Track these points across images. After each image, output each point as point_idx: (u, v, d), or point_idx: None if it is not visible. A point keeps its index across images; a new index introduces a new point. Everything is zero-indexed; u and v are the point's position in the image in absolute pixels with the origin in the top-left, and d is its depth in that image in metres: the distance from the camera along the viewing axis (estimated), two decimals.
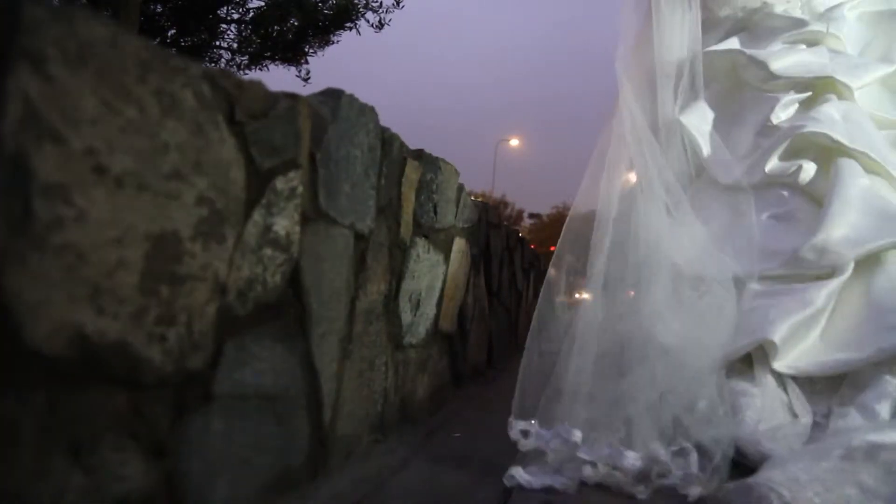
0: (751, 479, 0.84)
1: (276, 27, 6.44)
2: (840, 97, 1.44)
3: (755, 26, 1.61)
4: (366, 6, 6.42)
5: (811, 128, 1.36)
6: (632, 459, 0.96)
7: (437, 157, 1.35)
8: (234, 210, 0.64)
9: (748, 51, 1.53)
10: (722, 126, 1.53)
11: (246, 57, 6.68)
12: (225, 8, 6.56)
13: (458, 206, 1.58)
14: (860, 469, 0.82)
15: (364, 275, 1.01)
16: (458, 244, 1.61)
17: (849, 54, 1.52)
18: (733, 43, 1.59)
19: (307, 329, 0.81)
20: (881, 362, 1.09)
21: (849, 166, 1.32)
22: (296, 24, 6.43)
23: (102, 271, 0.49)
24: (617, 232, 1.27)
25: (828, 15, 1.56)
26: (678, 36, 1.57)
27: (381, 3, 6.55)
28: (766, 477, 0.83)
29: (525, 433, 1.06)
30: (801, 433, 1.04)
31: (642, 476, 0.95)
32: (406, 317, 1.23)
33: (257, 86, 0.67)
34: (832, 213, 1.26)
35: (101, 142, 0.47)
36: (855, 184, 1.30)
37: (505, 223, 2.58)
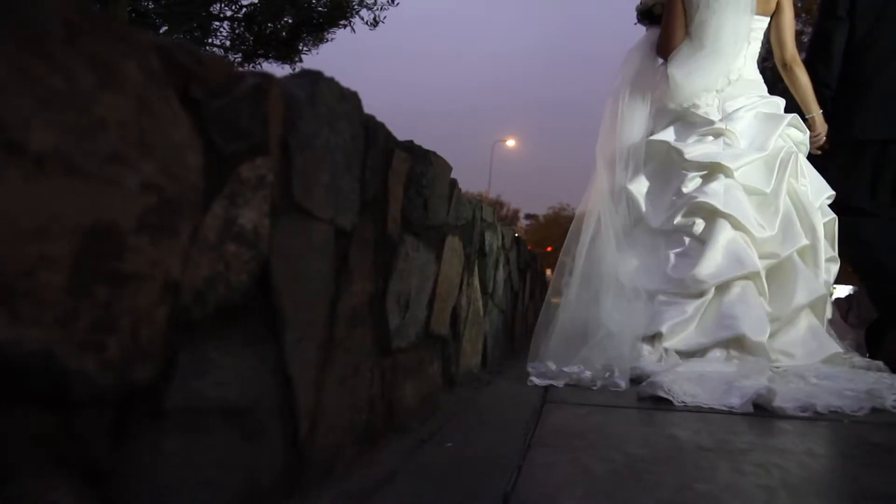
0: (651, 379, 1.70)
1: (269, 24, 6.36)
2: (725, 175, 2.23)
3: (686, 118, 2.43)
4: (360, 3, 6.34)
5: (701, 198, 2.20)
6: (587, 374, 1.85)
7: (427, 150, 1.28)
8: (189, 200, 0.56)
9: (673, 142, 2.36)
10: (654, 190, 2.38)
11: (239, 55, 6.60)
12: (218, 5, 6.48)
13: (450, 203, 1.50)
14: (705, 377, 1.72)
15: (347, 274, 0.93)
16: (451, 242, 1.54)
17: (735, 145, 2.30)
18: (669, 133, 2.42)
19: (280, 333, 0.73)
20: (718, 344, 2.02)
21: (721, 224, 2.14)
22: (289, 21, 6.34)
23: (18, 269, 0.41)
24: (587, 258, 2.20)
25: (732, 115, 2.35)
26: (636, 126, 2.46)
27: (375, 0, 6.47)
28: (660, 378, 1.68)
29: (533, 367, 1.95)
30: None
31: (592, 381, 1.83)
32: (394, 319, 1.16)
33: (219, 61, 0.60)
34: (705, 257, 2.10)
35: (11, 113, 0.40)
36: (724, 236, 2.13)
37: (499, 223, 2.50)
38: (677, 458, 1.12)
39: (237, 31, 6.48)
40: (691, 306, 2.07)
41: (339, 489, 0.92)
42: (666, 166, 2.37)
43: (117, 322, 0.50)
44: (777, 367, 1.95)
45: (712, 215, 2.16)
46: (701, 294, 2.08)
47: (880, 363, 2.09)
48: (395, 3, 6.53)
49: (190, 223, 0.56)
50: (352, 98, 0.89)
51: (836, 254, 2.30)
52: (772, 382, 1.68)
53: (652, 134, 2.45)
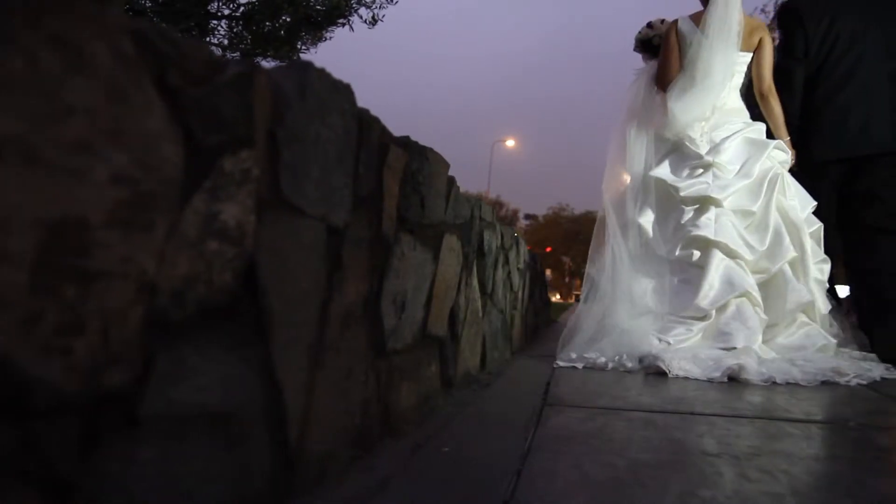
0: (654, 356, 2.15)
1: (267, 23, 6.32)
2: (715, 206, 2.53)
3: (680, 149, 2.71)
4: (359, 2, 6.30)
5: (694, 232, 2.51)
6: (601, 359, 2.28)
7: (424, 147, 1.24)
8: (166, 193, 0.53)
9: (670, 180, 2.65)
10: (659, 220, 2.68)
11: (237, 53, 6.55)
12: (216, 3, 6.44)
13: (448, 201, 1.47)
14: (698, 357, 2.14)
15: (339, 273, 0.90)
16: (449, 241, 1.50)
17: (723, 176, 2.58)
18: (665, 168, 2.71)
19: (267, 335, 0.70)
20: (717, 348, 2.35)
21: (715, 253, 2.46)
22: (288, 20, 6.30)
23: None
24: (607, 276, 2.63)
25: (719, 146, 2.62)
26: (641, 158, 2.79)
27: None
28: (662, 355, 2.13)
29: (560, 357, 2.40)
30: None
31: (605, 364, 2.26)
32: (389, 320, 1.12)
33: (198, 47, 0.56)
34: (703, 285, 2.43)
35: None
36: (718, 265, 2.45)
37: (498, 222, 2.47)
38: (681, 463, 1.09)
39: (235, 30, 6.44)
40: (696, 326, 2.43)
41: (330, 496, 0.88)
42: (666, 200, 2.69)
43: (85, 324, 0.46)
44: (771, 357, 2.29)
45: (706, 244, 2.49)
46: (704, 318, 2.44)
47: (874, 355, 2.42)
48: (394, 1, 6.50)
49: (167, 218, 0.53)
50: (344, 90, 0.86)
51: (825, 255, 2.58)
52: (759, 364, 2.09)
53: (649, 164, 2.76)
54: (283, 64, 0.79)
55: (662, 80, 2.77)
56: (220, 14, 6.36)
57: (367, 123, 0.95)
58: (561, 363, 2.34)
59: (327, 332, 0.86)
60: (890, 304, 2.66)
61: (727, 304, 2.39)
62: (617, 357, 2.27)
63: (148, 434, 0.53)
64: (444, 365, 1.56)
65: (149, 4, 6.02)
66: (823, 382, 2.00)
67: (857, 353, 2.45)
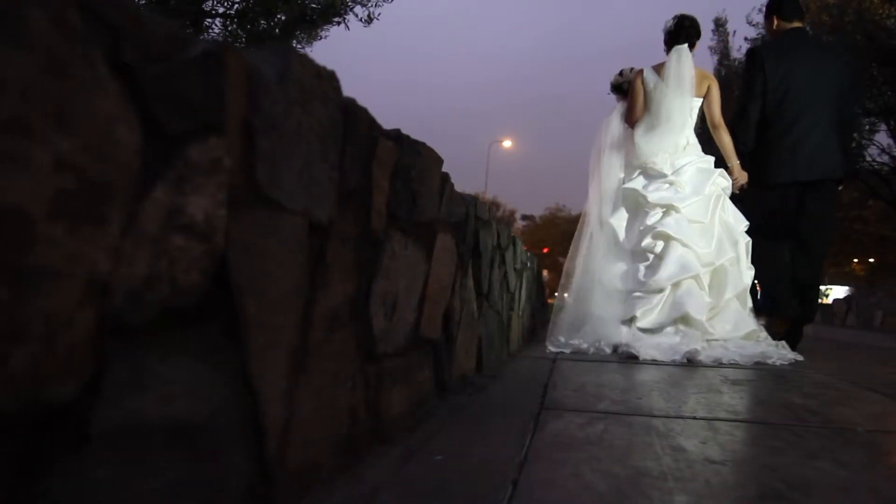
0: (626, 346, 2.82)
1: (262, 21, 6.25)
2: (676, 212, 3.22)
3: (647, 171, 3.42)
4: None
5: (660, 228, 3.18)
6: (584, 345, 3.00)
7: (416, 141, 1.19)
8: (121, 183, 0.47)
9: (641, 190, 3.34)
10: (628, 222, 3.42)
11: None
12: (210, 1, 6.37)
13: (441, 198, 1.41)
14: (660, 345, 2.84)
15: (324, 273, 0.84)
16: (443, 240, 1.45)
17: (682, 192, 3.27)
18: (638, 182, 3.41)
19: (242, 340, 0.65)
20: (672, 321, 3.02)
21: (674, 244, 3.14)
22: (283, 18, 6.24)
23: None
24: (583, 267, 3.42)
25: (679, 170, 3.34)
26: (613, 174, 3.57)
27: None
28: (632, 345, 2.79)
29: (549, 341, 3.11)
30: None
31: (587, 349, 2.96)
32: (379, 322, 1.07)
33: (159, 22, 0.51)
34: (662, 266, 3.10)
35: None
36: (675, 252, 3.13)
37: (495, 221, 2.41)
38: (685, 472, 1.04)
39: (230, 28, 6.38)
40: (655, 299, 3.10)
41: None
42: (635, 206, 3.40)
43: (24, 329, 0.41)
44: (710, 339, 2.97)
45: (668, 239, 3.18)
46: (661, 290, 3.10)
47: (783, 342, 3.10)
48: None
49: (122, 211, 0.47)
50: (328, 77, 0.80)
51: (749, 263, 3.32)
52: (702, 349, 2.77)
53: (624, 181, 3.52)
54: (262, 47, 0.73)
55: (630, 119, 3.54)
56: (214, 12, 6.29)
57: (353, 114, 0.89)
58: (552, 348, 3.06)
59: (311, 335, 0.81)
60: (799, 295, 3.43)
61: (680, 282, 3.10)
62: (596, 343, 3.00)
63: (103, 451, 0.48)
64: (438, 368, 1.50)
65: (142, 2, 5.94)
66: (756, 363, 2.74)
67: (766, 338, 3.12)
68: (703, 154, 3.46)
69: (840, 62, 3.48)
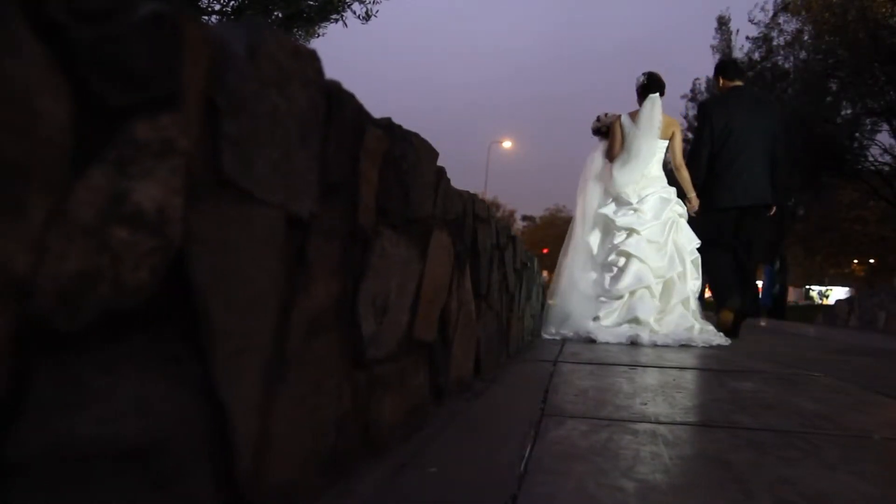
0: (591, 335, 3.83)
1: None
2: (637, 234, 4.10)
3: (619, 199, 4.28)
4: None
5: (623, 247, 4.10)
6: (570, 335, 3.96)
7: (408, 131, 1.11)
8: (44, 163, 0.40)
9: (610, 215, 4.24)
10: (601, 241, 4.30)
11: None
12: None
13: (437, 193, 1.34)
14: (615, 333, 3.85)
15: (304, 272, 0.77)
16: (439, 238, 1.37)
17: (644, 218, 4.14)
18: (610, 208, 4.29)
19: (205, 348, 0.57)
20: (626, 321, 3.98)
21: (635, 261, 4.06)
22: (279, 16, 6.16)
23: None
24: (567, 274, 4.41)
25: (644, 198, 4.21)
26: (594, 199, 4.43)
27: None
28: (595, 334, 3.82)
29: (544, 332, 4.14)
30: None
31: (570, 338, 3.92)
32: (368, 325, 0.99)
33: None
34: (623, 277, 4.05)
35: None
36: (633, 267, 4.05)
37: (494, 219, 2.33)
38: (696, 485, 0.97)
39: None
40: (616, 303, 4.02)
41: None
42: (606, 228, 4.29)
43: None
44: (655, 333, 3.81)
45: (629, 256, 4.06)
46: (621, 297, 4.01)
47: (722, 334, 4.04)
48: None
49: (46, 197, 0.40)
50: (307, 57, 0.73)
51: (698, 275, 4.22)
52: (646, 336, 3.70)
53: (600, 205, 4.36)
54: (234, 22, 0.66)
55: (609, 156, 4.46)
56: (210, 9, 6.21)
57: (338, 99, 0.82)
58: (546, 336, 4.06)
59: (289, 341, 0.73)
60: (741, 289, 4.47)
61: (636, 291, 4.00)
62: (576, 333, 3.90)
63: (25, 483, 0.40)
64: (434, 373, 1.43)
65: None
66: (682, 345, 3.66)
67: (708, 328, 4.05)
68: (667, 185, 4.37)
69: (771, 112, 4.57)
